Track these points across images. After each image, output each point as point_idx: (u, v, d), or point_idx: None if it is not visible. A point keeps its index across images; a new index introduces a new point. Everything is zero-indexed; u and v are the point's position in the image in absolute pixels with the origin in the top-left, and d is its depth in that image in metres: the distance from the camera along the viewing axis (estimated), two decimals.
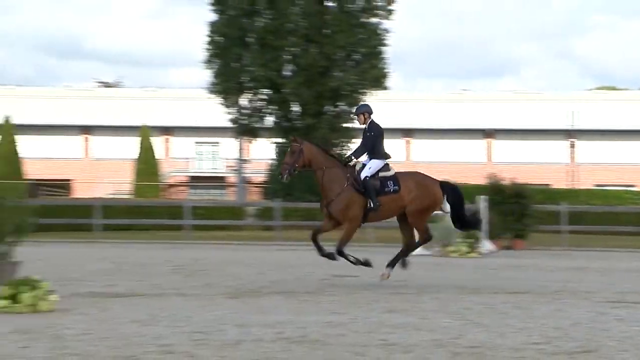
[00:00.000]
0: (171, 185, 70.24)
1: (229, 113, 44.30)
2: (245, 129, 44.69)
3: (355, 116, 16.33)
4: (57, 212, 36.52)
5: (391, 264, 15.83)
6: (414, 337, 9.84)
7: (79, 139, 73.72)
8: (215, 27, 43.28)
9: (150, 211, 40.09)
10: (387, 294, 14.48)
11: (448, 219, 27.21)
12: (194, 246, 30.39)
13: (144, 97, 77.97)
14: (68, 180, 68.62)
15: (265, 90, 43.59)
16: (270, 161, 47.07)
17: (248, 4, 42.23)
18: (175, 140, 75.11)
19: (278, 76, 42.59)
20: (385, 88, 44.83)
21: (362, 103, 16.21)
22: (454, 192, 16.38)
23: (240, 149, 54.74)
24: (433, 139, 73.29)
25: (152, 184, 56.17)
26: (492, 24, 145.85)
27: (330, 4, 43.38)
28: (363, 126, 15.93)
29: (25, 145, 59.87)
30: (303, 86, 41.88)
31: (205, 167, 75.30)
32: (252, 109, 44.01)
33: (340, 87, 42.30)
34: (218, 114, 47.90)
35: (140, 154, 59.14)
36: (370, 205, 15.47)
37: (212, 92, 44.10)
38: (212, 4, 43.34)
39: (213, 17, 43.54)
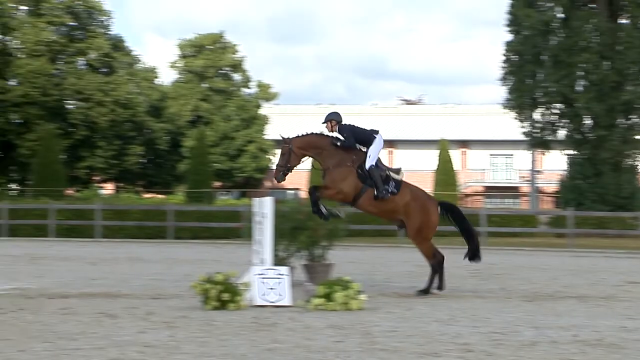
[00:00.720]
0: (468, 195, 70.07)
1: (522, 127, 43.77)
2: (538, 142, 43.98)
3: (324, 122, 15.14)
4: (364, 219, 37.36)
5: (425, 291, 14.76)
6: None
7: (383, 152, 75.15)
8: (510, 47, 42.96)
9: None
10: None
11: None
12: (489, 252, 29.97)
13: (443, 113, 78.47)
14: None
15: (558, 105, 42.72)
16: (562, 172, 46.15)
17: (543, 24, 41.61)
18: (471, 153, 74.94)
19: (571, 91, 41.60)
20: None
21: (332, 111, 15.09)
22: (453, 210, 15.56)
23: (533, 160, 53.96)
24: None
25: (450, 193, 56.03)
26: None
27: (624, 21, 41.97)
28: (333, 133, 14.98)
29: None
30: (595, 100, 40.67)
31: (500, 178, 74.62)
32: (545, 123, 43.25)
33: (632, 101, 40.76)
34: (512, 127, 47.34)
35: (439, 165, 59.24)
36: (375, 193, 14.51)
37: (506, 107, 43.78)
38: (508, 25, 43.07)
39: (509, 37, 43.30)
